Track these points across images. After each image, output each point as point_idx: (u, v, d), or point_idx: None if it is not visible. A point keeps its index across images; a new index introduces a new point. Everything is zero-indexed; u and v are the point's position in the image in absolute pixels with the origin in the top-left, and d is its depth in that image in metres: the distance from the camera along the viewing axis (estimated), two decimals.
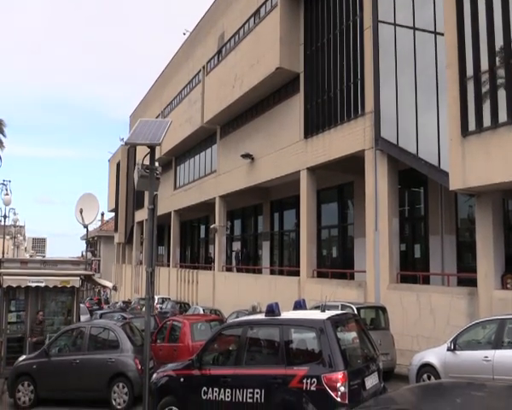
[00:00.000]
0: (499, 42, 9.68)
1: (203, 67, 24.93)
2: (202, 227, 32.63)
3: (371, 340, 6.74)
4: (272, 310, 6.50)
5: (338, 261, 18.42)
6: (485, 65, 9.91)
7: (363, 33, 14.39)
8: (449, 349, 8.73)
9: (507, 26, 9.51)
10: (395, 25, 13.13)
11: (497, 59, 9.74)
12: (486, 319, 9.03)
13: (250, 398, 6.07)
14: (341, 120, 15.07)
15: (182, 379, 6.93)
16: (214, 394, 6.43)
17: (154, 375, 7.55)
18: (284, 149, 17.82)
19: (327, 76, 15.92)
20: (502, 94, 9.61)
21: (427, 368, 9.02)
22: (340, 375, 5.48)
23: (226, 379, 6.38)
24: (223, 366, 6.78)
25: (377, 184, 13.51)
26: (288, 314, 6.68)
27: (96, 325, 11.09)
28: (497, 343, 8.14)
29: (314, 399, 5.56)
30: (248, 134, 20.94)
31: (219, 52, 23.12)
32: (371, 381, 6.02)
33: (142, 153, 7.30)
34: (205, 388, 6.55)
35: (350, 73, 14.96)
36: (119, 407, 9.37)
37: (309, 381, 5.61)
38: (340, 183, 17.96)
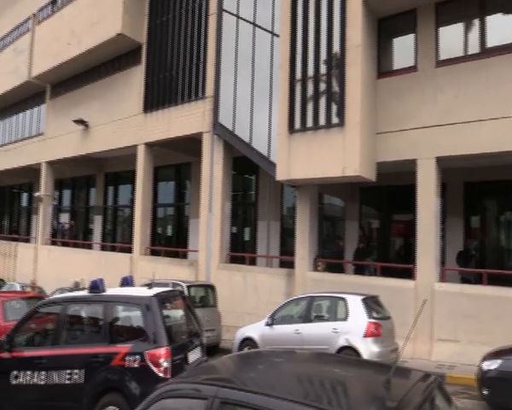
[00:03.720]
0: (324, 54, 10.86)
1: (34, 15, 22.08)
2: (25, 195, 29.31)
3: (196, 316, 7.02)
4: (96, 286, 6.28)
5: (173, 240, 18.59)
6: (311, 72, 11.02)
7: (208, 18, 14.55)
8: (267, 324, 9.58)
9: (330, 40, 10.74)
10: (238, 17, 13.61)
11: (321, 68, 10.91)
12: (299, 296, 10.11)
13: (68, 379, 5.80)
14: (182, 100, 15.07)
15: None
16: (26, 377, 5.98)
17: None
18: (122, 121, 17.08)
19: (170, 52, 15.68)
20: (322, 100, 10.83)
21: (247, 342, 9.76)
22: (163, 351, 5.59)
23: (41, 361, 5.98)
24: (38, 347, 6.32)
25: (213, 168, 13.97)
26: (113, 291, 6.53)
27: None
28: (306, 318, 9.20)
29: (136, 376, 5.57)
30: (84, 99, 19.42)
31: (54, 1, 20.79)
32: (194, 355, 6.28)
33: None
34: (15, 372, 6.04)
35: (193, 54, 14.99)
36: None
37: (132, 358, 5.61)
38: (178, 162, 18.01)
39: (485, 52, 9.78)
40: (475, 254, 12.37)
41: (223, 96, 13.79)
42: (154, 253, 16.37)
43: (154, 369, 5.54)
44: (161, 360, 5.56)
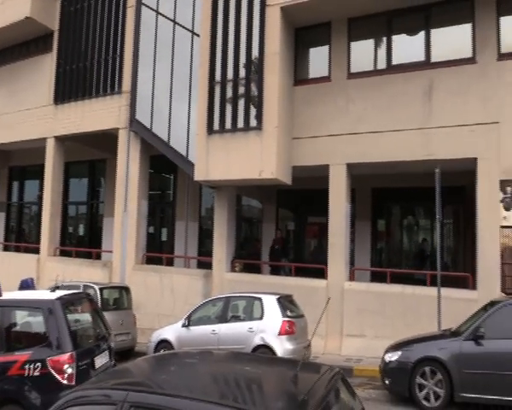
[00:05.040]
0: (243, 58, 11.02)
1: None
2: None
3: (103, 319, 6.78)
4: None
5: (85, 240, 17.70)
6: (230, 74, 11.13)
7: (126, 11, 14.04)
8: (183, 325, 9.47)
9: (249, 46, 10.93)
10: (157, 13, 13.28)
11: (240, 72, 11.05)
12: (216, 297, 10.13)
13: None
14: (97, 93, 14.38)
15: None
16: None
17: None
18: (30, 111, 15.88)
19: (85, 42, 14.86)
20: (241, 103, 10.96)
21: (164, 344, 9.57)
22: (66, 356, 5.32)
23: None
24: None
25: (129, 165, 13.53)
26: (10, 295, 6.09)
27: None
28: (222, 318, 9.23)
29: (38, 385, 5.26)
30: None
31: None
32: (101, 360, 6.04)
33: None
34: None
35: (109, 46, 14.35)
36: None
37: (32, 366, 5.26)
38: (92, 158, 17.15)
39: (391, 68, 10.55)
40: (429, 255, 13.06)
41: (140, 92, 13.38)
42: (64, 253, 15.50)
43: (58, 376, 5.25)
44: (65, 367, 5.28)
